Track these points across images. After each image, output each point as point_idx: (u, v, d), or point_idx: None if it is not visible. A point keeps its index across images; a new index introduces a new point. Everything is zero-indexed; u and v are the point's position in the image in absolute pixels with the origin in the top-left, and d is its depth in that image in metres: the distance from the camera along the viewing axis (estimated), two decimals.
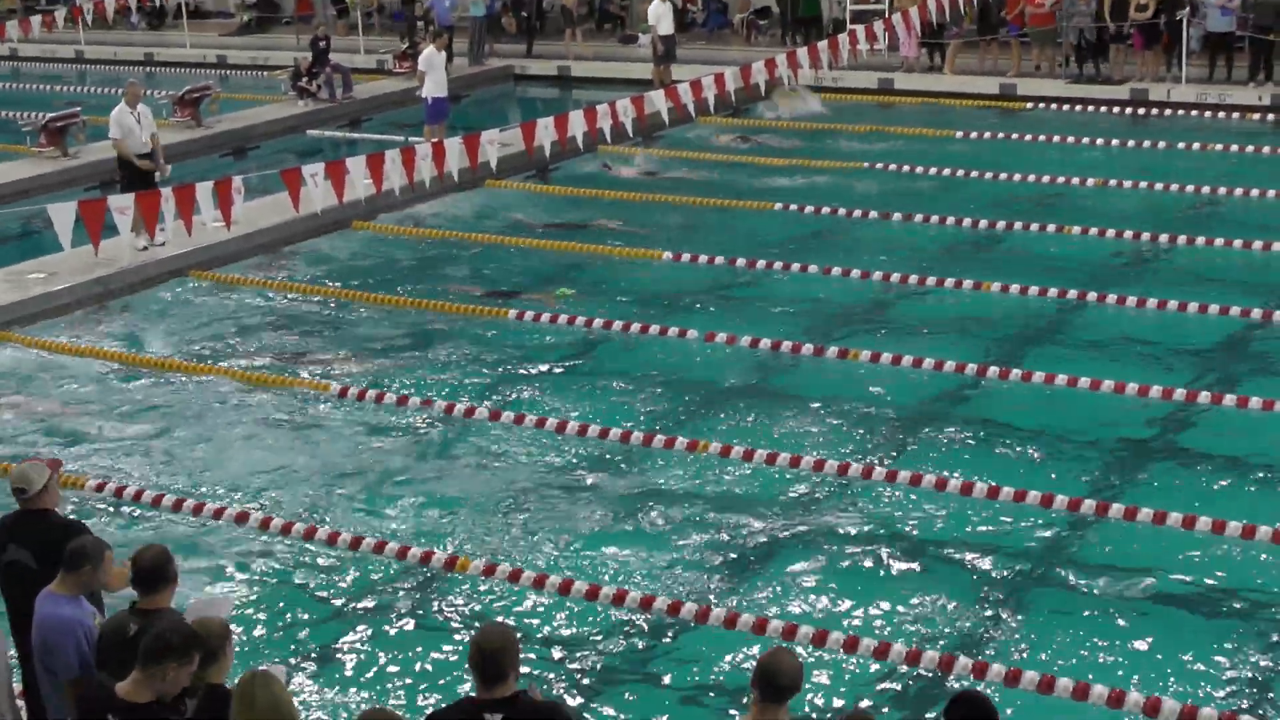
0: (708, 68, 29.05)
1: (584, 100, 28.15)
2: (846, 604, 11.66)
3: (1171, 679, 10.57)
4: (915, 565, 12.30)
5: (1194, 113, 27.57)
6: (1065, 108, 28.33)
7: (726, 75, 27.04)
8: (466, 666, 7.36)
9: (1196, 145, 25.13)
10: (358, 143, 28.14)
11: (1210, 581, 11.87)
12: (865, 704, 10.21)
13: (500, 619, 11.25)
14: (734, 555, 12.47)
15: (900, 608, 11.55)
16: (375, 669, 10.89)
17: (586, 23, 38.39)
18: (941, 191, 23.23)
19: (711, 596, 11.76)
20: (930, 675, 10.60)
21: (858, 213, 22.00)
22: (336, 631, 11.42)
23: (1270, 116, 27.11)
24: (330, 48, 31.56)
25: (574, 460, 14.34)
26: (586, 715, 10.24)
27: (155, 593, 8.07)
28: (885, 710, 10.23)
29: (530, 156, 24.26)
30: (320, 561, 12.56)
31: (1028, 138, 26.22)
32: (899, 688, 10.60)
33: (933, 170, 24.17)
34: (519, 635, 7.69)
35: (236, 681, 7.07)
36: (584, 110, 24.39)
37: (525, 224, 22.50)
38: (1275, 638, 11.11)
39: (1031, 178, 23.47)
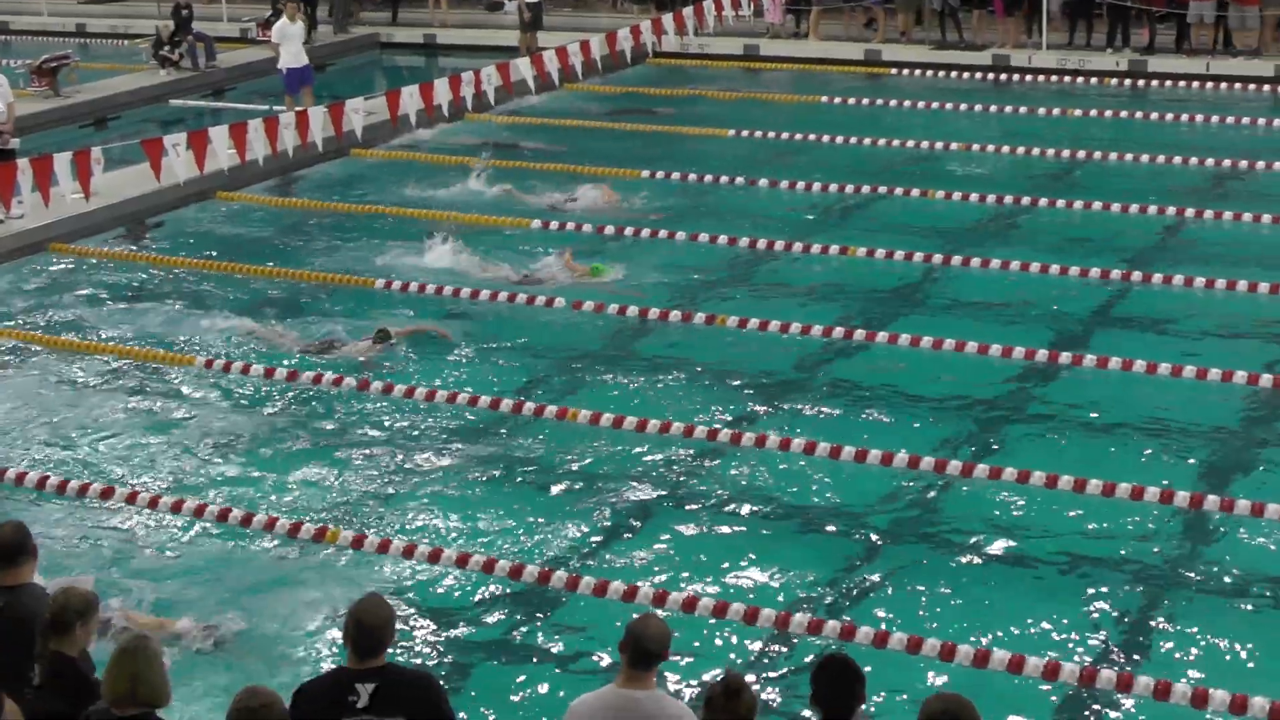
0: (575, 35, 28.95)
1: (450, 68, 27.93)
2: (717, 570, 11.69)
3: (1036, 636, 10.73)
4: (785, 530, 12.39)
5: (1054, 78, 27.85)
6: (929, 74, 28.51)
7: (593, 42, 27.05)
8: (340, 636, 7.30)
9: (1057, 110, 25.40)
10: (222, 112, 27.74)
11: (1073, 539, 12.06)
12: (737, 669, 10.23)
13: (371, 589, 11.15)
14: (604, 523, 12.49)
15: (769, 572, 11.63)
16: (249, 643, 10.75)
17: None
18: (808, 157, 23.31)
19: (581, 564, 11.76)
20: (799, 639, 10.67)
21: (724, 179, 22.02)
22: (204, 605, 11.25)
23: (1128, 82, 27.46)
24: (193, 16, 31.06)
25: (444, 429, 14.27)
26: (462, 683, 10.20)
27: (16, 566, 7.92)
28: (755, 674, 10.27)
29: (394, 125, 24.13)
30: (187, 535, 12.41)
31: (893, 103, 26.35)
32: (770, 651, 10.65)
33: (799, 136, 24.24)
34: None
35: (117, 646, 6.98)
36: (449, 78, 24.28)
37: (393, 192, 22.25)
38: (1138, 593, 11.33)
39: (896, 143, 23.62)
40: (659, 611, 10.59)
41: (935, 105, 26.02)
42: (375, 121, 24.02)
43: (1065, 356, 15.32)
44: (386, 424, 14.38)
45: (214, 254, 19.57)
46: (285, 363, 15.78)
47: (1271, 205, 19.90)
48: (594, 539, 12.24)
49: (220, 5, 35.49)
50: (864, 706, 7.00)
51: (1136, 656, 10.55)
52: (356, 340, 16.22)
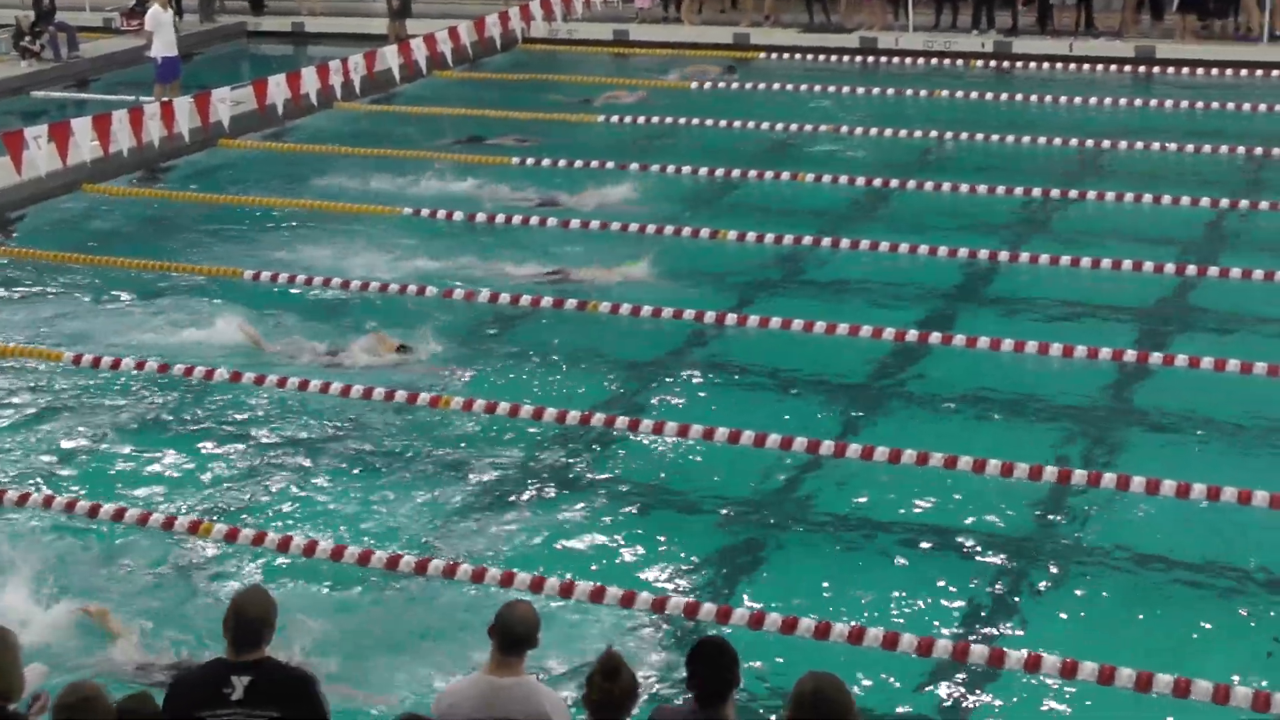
0: (445, 22, 28.80)
1: (319, 57, 27.67)
2: (593, 554, 11.73)
3: (910, 613, 10.85)
4: (661, 513, 12.44)
5: (921, 60, 28.09)
6: (797, 57, 28.64)
7: (461, 29, 26.94)
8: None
9: (925, 92, 25.63)
10: (85, 103, 27.30)
11: (945, 515, 12.21)
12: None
13: (257, 583, 11.04)
14: (475, 509, 12.46)
15: (646, 555, 11.67)
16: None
17: None
18: (677, 141, 23.34)
19: (454, 551, 11.73)
20: (676, 621, 10.70)
21: (594, 164, 22.01)
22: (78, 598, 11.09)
23: (994, 63, 27.76)
24: (55, 5, 30.52)
25: (309, 419, 14.21)
26: (338, 669, 10.12)
27: None
28: (634, 658, 10.28)
29: (262, 114, 23.92)
30: (52, 529, 12.23)
31: (761, 86, 26.44)
32: (648, 634, 10.67)
33: (669, 120, 24.27)
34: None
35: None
36: (316, 67, 24.11)
37: (261, 182, 22.00)
38: (1010, 567, 11.50)
39: (765, 126, 23.71)
40: (532, 597, 10.58)
41: (804, 88, 26.12)
42: (243, 111, 23.77)
43: (935, 336, 15.47)
44: (258, 413, 14.26)
45: (79, 246, 19.22)
46: (155, 356, 15.54)
47: (1134, 184, 20.22)
48: (466, 526, 12.20)
49: None
50: (739, 687, 7.01)
51: (1008, 630, 10.69)
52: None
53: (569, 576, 11.19)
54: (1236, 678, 9.83)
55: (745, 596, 11.09)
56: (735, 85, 26.66)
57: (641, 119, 24.41)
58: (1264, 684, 9.77)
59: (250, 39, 33.72)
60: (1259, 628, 10.66)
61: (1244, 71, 26.39)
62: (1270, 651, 10.31)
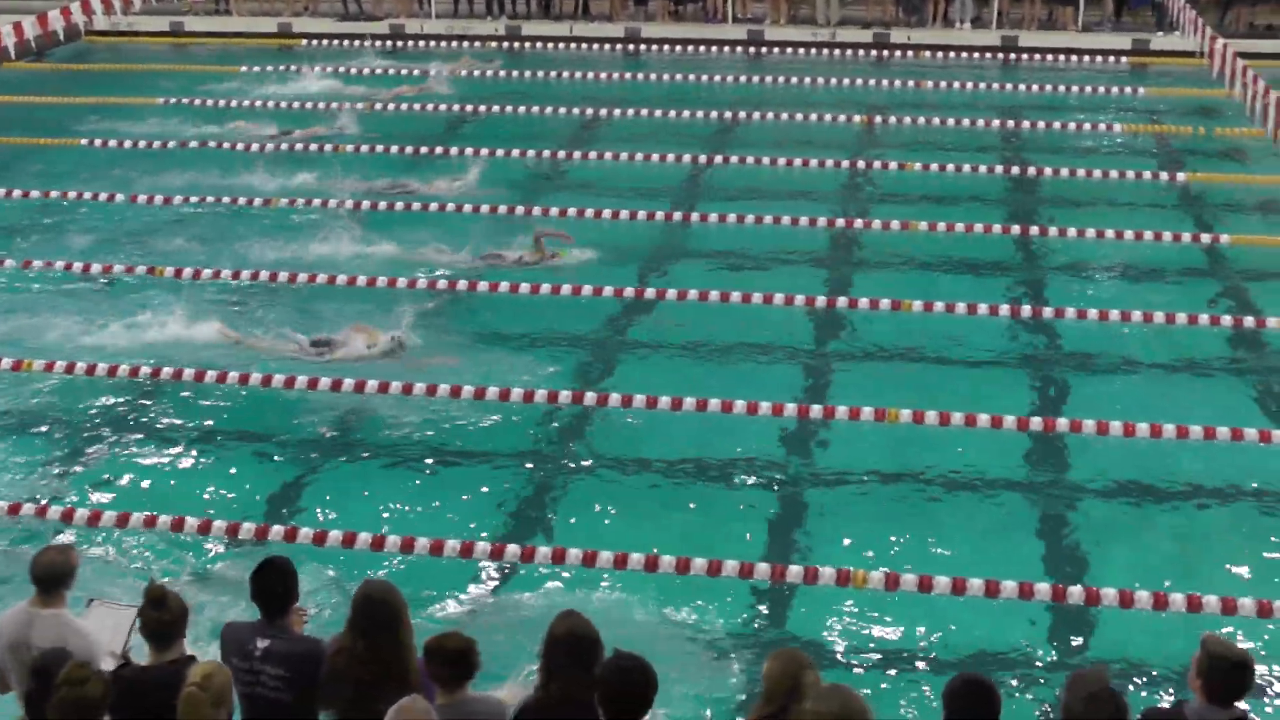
0: (9, 16, 27.32)
1: None
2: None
3: (701, 541, 10.93)
4: (444, 467, 12.26)
5: (444, 44, 28.17)
6: (334, 43, 28.34)
7: (25, 23, 25.70)
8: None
9: (447, 71, 25.72)
10: None
11: (726, 456, 12.31)
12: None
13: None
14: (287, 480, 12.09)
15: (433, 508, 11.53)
16: None
17: None
18: (220, 124, 22.67)
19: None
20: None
21: (143, 144, 21.35)
22: None
23: (506, 44, 28.08)
24: None
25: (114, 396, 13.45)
26: None
27: None
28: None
29: None
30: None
31: (303, 69, 25.93)
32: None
33: (228, 103, 23.64)
34: None
35: None
36: None
37: None
38: (769, 494, 11.80)
39: (298, 105, 23.39)
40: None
41: (341, 69, 25.79)
42: None
43: (650, 292, 15.68)
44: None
45: None
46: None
47: (627, 145, 20.89)
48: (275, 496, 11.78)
49: None
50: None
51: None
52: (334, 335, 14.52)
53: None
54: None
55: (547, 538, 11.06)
56: (281, 67, 26.12)
57: (198, 102, 23.70)
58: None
59: None
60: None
61: (713, 49, 27.55)
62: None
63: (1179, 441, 12.29)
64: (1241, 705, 6.26)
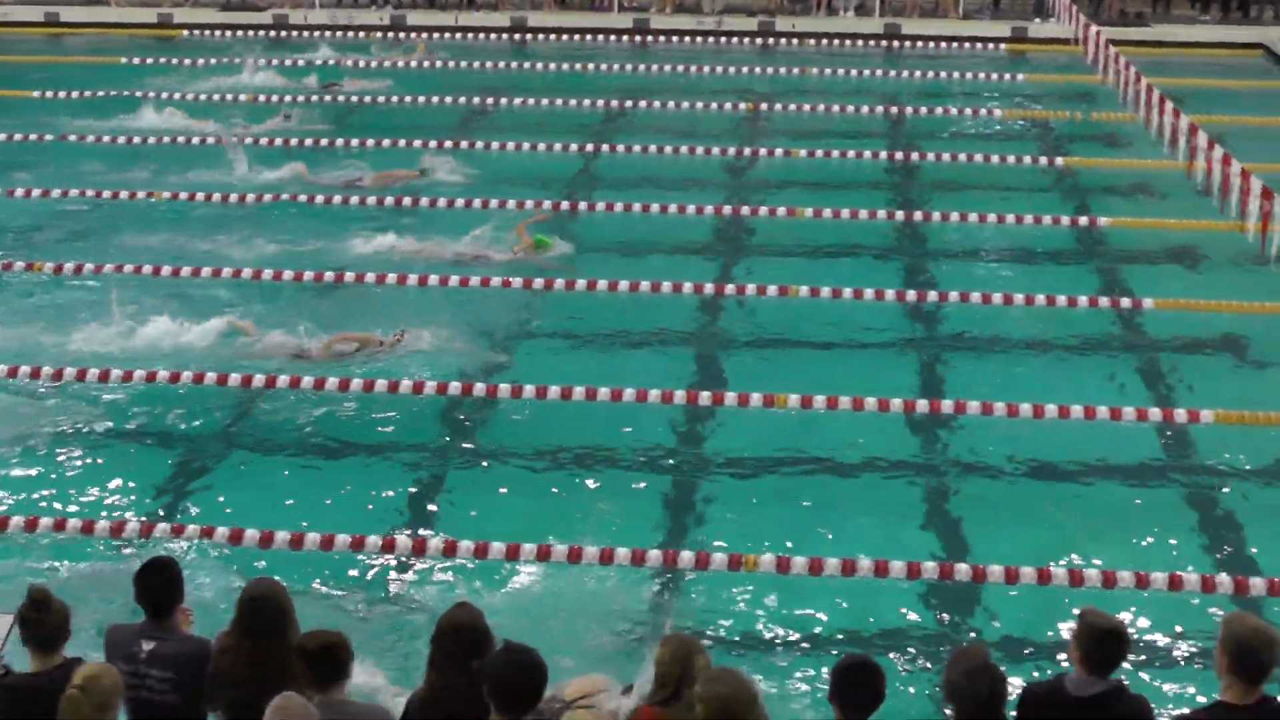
0: None
1: None
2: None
3: (593, 528, 10.92)
4: (331, 460, 12.12)
5: (329, 33, 27.88)
6: (217, 34, 27.95)
7: None
8: None
9: (333, 61, 25.47)
10: None
11: (616, 444, 12.35)
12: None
13: None
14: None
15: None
16: None
17: None
18: (104, 113, 22.24)
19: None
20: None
21: (33, 136, 20.89)
22: None
23: (393, 34, 27.87)
24: None
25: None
26: None
27: None
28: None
29: None
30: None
31: (186, 62, 25.49)
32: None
33: (95, 94, 23.17)
34: None
35: None
36: None
37: None
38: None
39: (190, 96, 23.01)
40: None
41: (224, 60, 25.41)
42: None
43: (538, 282, 15.49)
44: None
45: None
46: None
47: (516, 134, 20.82)
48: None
49: None
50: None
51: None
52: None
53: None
54: None
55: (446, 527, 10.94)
56: (162, 60, 25.68)
57: (75, 93, 23.24)
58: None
59: None
60: None
61: (600, 37, 27.57)
62: None
63: (1060, 421, 12.48)
64: (1118, 675, 6.38)
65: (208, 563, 10.17)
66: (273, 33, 27.99)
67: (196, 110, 22.09)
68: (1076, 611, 6.57)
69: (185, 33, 28.03)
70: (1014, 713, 6.32)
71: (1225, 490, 11.73)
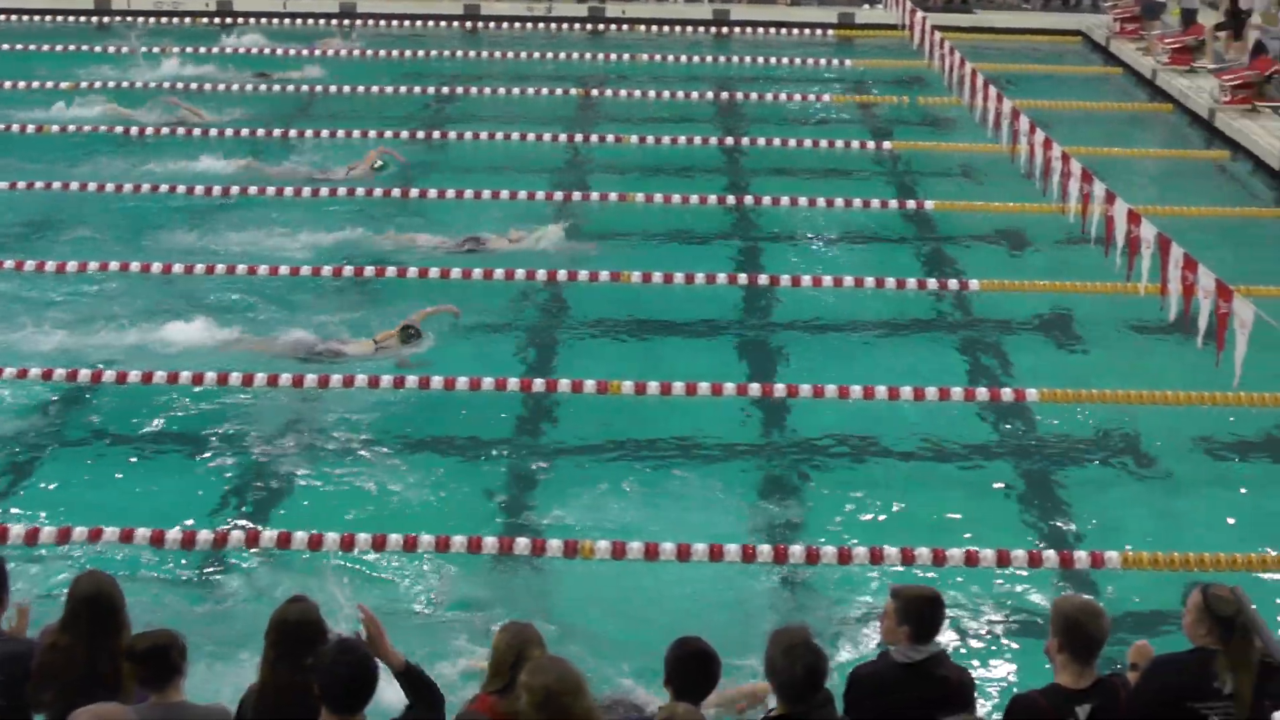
0: None
1: None
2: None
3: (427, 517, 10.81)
4: (161, 454, 11.86)
5: (154, 20, 27.16)
6: (30, 19, 27.06)
7: None
8: None
9: (158, 49, 24.80)
10: None
11: (450, 432, 12.23)
12: None
13: None
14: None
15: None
16: None
17: None
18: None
19: None
20: None
21: None
22: None
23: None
24: None
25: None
26: None
27: None
28: None
29: None
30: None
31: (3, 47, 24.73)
32: None
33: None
34: None
35: None
36: None
37: None
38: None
39: (9, 84, 22.26)
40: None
41: (44, 48, 24.61)
42: None
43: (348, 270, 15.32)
44: None
45: None
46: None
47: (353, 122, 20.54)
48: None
49: None
50: None
51: None
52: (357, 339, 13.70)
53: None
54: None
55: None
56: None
57: None
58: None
59: None
60: None
61: (430, 23, 27.33)
62: None
63: (890, 403, 12.63)
64: (940, 641, 6.51)
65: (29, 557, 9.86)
66: (94, 18, 27.13)
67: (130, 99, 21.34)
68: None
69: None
70: (844, 698, 6.37)
71: (1051, 466, 11.96)
